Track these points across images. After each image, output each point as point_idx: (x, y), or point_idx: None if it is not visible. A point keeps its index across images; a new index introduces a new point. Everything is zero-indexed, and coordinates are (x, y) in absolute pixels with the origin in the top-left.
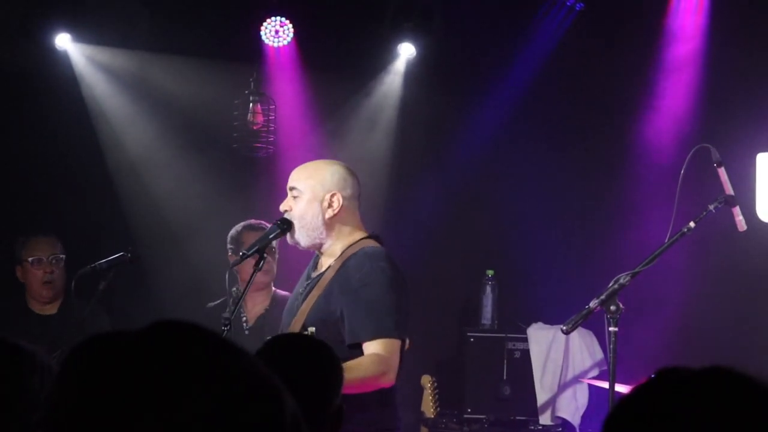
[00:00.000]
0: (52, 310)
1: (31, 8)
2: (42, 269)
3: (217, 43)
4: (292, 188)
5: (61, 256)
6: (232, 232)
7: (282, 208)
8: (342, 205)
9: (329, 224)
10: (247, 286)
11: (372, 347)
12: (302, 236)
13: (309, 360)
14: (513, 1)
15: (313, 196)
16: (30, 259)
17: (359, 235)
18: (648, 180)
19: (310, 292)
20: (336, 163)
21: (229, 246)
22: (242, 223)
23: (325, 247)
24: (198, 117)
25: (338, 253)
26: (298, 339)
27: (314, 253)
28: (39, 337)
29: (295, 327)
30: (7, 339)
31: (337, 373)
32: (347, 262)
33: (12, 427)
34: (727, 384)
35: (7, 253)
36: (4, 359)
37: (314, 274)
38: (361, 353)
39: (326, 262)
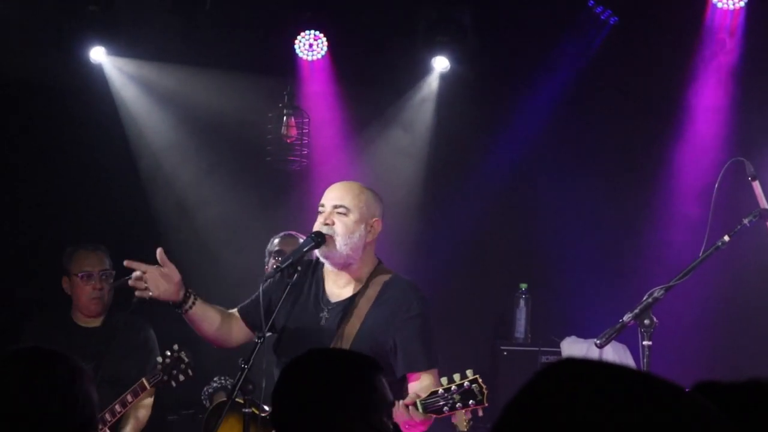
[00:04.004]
0: (96, 322)
1: (66, 22)
2: (91, 285)
3: (251, 57)
4: (338, 205)
5: (111, 271)
6: (269, 245)
7: (324, 221)
8: (377, 232)
9: (364, 247)
10: (282, 298)
11: (427, 378)
12: (343, 253)
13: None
14: (547, 16)
15: (361, 216)
16: (80, 273)
17: (376, 260)
18: (682, 193)
19: (343, 317)
20: (372, 190)
21: (267, 259)
22: (279, 235)
23: (351, 268)
24: (232, 130)
25: (363, 278)
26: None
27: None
28: (82, 349)
29: None
30: (45, 347)
31: (356, 389)
32: (386, 291)
33: (51, 428)
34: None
35: (45, 265)
36: (44, 365)
37: (332, 298)
38: (402, 383)
39: (349, 286)
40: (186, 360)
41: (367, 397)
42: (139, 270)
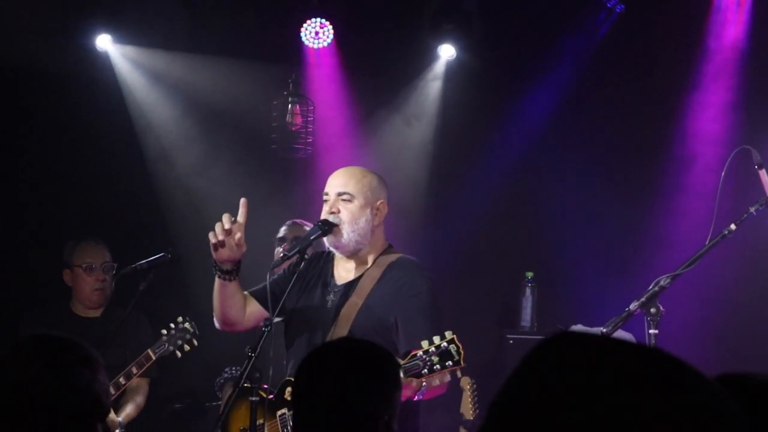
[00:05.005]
0: (95, 313)
1: (72, 10)
2: (94, 276)
3: (256, 44)
4: (342, 193)
5: (113, 264)
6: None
7: (330, 210)
8: (384, 214)
9: (372, 231)
10: (290, 285)
11: None
12: (351, 240)
13: (356, 366)
14: (553, 4)
15: (366, 201)
16: (83, 264)
17: (385, 244)
18: (689, 182)
19: (346, 299)
20: (374, 172)
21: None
22: (286, 223)
23: (361, 252)
24: (237, 118)
25: (370, 261)
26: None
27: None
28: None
29: (340, 334)
30: (58, 334)
31: (385, 383)
32: (390, 271)
33: (61, 415)
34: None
35: (51, 255)
36: (43, 351)
37: (339, 281)
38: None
39: (356, 269)
40: (191, 330)
41: (395, 390)
42: (239, 217)
